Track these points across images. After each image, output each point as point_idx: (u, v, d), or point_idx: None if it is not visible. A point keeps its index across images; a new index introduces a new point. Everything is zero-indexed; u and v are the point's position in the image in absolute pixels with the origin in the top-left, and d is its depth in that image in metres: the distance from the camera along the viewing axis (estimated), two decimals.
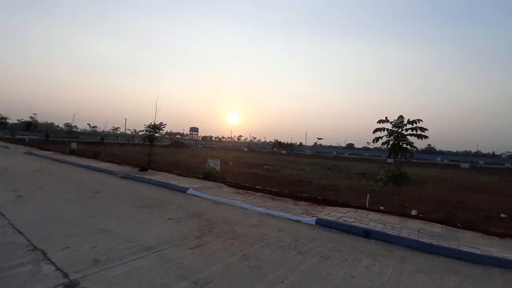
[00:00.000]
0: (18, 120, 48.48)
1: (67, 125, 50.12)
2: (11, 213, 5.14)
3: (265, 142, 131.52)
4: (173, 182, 8.97)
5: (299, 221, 5.86)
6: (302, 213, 6.25)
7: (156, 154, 13.93)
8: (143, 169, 11.54)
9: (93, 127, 59.13)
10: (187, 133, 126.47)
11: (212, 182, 9.58)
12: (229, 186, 9.20)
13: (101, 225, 4.78)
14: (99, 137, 55.51)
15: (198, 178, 10.42)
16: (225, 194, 7.79)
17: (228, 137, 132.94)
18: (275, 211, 6.29)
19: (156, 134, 14.02)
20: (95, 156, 16.30)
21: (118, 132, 68.28)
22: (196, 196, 7.73)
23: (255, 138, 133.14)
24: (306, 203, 7.36)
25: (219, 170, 11.04)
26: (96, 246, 3.85)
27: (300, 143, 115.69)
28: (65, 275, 3.03)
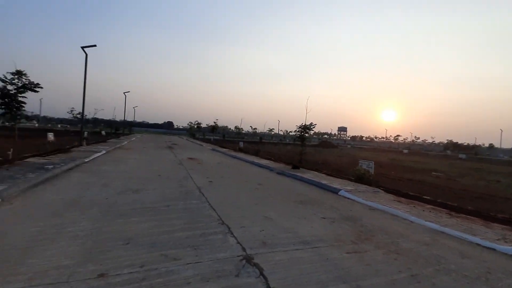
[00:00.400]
0: (206, 124, 65.52)
1: (236, 127, 62.50)
2: (207, 193, 6.91)
3: (432, 143, 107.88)
4: (324, 182, 9.05)
5: (492, 249, 4.35)
6: (498, 239, 4.61)
7: (306, 153, 14.60)
8: (295, 167, 12.41)
9: (254, 128, 70.43)
10: (335, 133, 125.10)
11: (366, 186, 8.89)
12: (387, 192, 8.21)
13: (264, 213, 5.51)
14: (258, 137, 65.25)
15: (349, 180, 9.99)
16: (383, 201, 7.00)
17: (382, 137, 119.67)
18: (455, 231, 4.97)
19: (306, 134, 14.67)
20: (256, 153, 19.20)
21: (273, 133, 77.58)
22: (348, 198, 7.42)
23: (418, 138, 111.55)
24: (504, 226, 5.38)
25: (372, 173, 10.12)
26: (263, 230, 4.46)
27: (491, 144, 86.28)
28: (243, 249, 3.69)
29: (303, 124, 13.86)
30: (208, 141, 43.08)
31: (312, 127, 13.77)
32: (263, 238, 4.12)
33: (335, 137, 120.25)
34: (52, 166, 9.02)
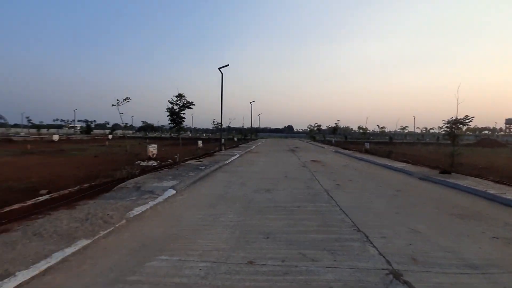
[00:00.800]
0: (326, 126, 64.49)
1: (359, 127, 57.75)
2: (335, 196, 6.66)
3: None
4: (493, 192, 6.89)
5: None
6: None
7: (460, 155, 11.63)
8: (444, 171, 10.12)
9: (381, 127, 62.73)
10: (500, 127, 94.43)
11: None
12: None
13: (409, 224, 4.72)
14: (387, 137, 57.99)
15: None
16: None
17: None
18: None
19: (457, 131, 11.72)
20: (388, 155, 17.03)
21: (406, 131, 66.66)
22: None
23: None
24: None
25: None
26: (410, 245, 3.81)
27: None
28: (388, 262, 3.26)
29: (453, 118, 11.16)
30: (329, 143, 42.10)
31: (467, 120, 10.88)
32: (412, 254, 3.52)
33: (501, 133, 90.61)
34: (204, 167, 11.19)
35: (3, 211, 4.78)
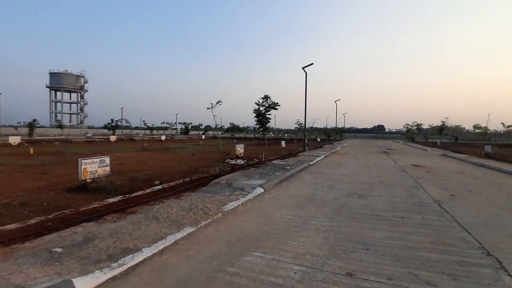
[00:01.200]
0: (429, 125, 55.22)
1: (476, 126, 46.95)
2: (450, 209, 5.50)
3: None
4: None
5: None
6: None
7: None
8: None
9: (508, 126, 49.23)
10: None
11: None
12: None
13: None
14: None
15: None
16: None
17: None
18: None
19: None
20: None
21: None
22: None
23: None
24: None
25: None
26: None
27: None
28: None
29: None
30: (433, 144, 36.00)
31: None
32: None
33: None
34: (289, 167, 11.18)
35: (131, 196, 5.89)
